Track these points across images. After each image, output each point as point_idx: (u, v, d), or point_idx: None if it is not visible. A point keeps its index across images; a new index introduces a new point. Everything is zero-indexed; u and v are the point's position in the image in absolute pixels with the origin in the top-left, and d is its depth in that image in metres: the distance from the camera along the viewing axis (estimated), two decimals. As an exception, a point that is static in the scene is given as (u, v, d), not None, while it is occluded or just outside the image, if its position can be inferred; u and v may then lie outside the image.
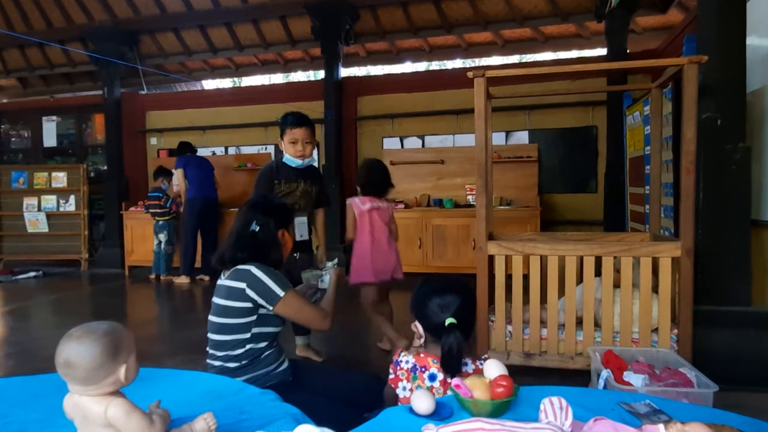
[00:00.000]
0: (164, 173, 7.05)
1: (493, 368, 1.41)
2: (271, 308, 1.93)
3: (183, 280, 6.56)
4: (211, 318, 2.00)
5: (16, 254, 8.13)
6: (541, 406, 1.21)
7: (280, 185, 3.10)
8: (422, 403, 1.28)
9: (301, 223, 3.16)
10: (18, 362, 3.70)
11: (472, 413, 1.28)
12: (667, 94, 3.83)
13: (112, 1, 7.89)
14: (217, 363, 1.97)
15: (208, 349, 2.02)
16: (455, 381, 1.36)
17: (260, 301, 1.91)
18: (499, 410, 1.28)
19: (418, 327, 1.73)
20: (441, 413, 1.29)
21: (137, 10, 7.92)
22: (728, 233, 2.91)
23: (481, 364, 1.63)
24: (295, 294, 1.99)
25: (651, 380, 2.09)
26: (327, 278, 2.36)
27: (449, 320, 1.61)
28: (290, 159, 3.10)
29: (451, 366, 1.59)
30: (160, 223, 6.80)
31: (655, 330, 2.87)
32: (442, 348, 1.60)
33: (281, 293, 1.92)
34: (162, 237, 6.83)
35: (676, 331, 2.83)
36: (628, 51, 6.31)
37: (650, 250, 2.85)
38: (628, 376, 2.12)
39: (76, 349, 1.01)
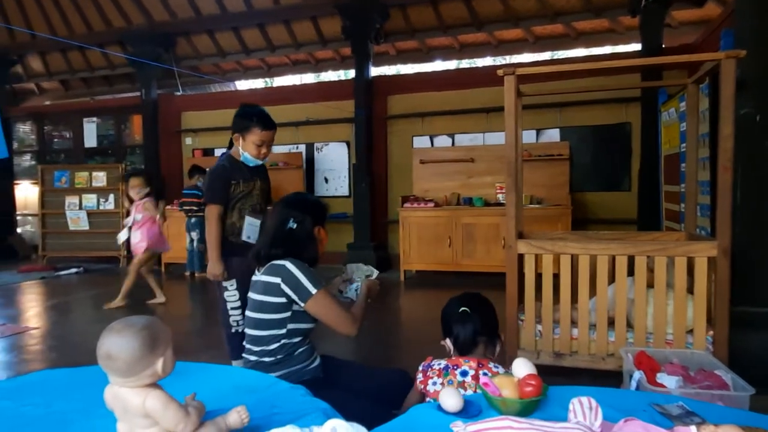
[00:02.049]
0: (199, 171, 7.19)
1: (522, 367, 1.41)
2: (302, 305, 1.95)
3: None
4: (248, 314, 2.03)
5: (58, 251, 8.44)
6: (570, 406, 1.20)
7: (238, 185, 2.88)
8: (450, 400, 1.28)
9: (252, 224, 2.93)
10: (60, 355, 3.84)
11: (500, 411, 1.28)
12: (703, 90, 3.73)
13: (150, 5, 8.10)
14: (252, 357, 2.00)
15: (245, 343, 2.05)
16: (483, 379, 1.36)
17: (293, 296, 1.94)
18: (527, 409, 1.28)
19: (447, 343, 1.84)
20: (469, 411, 1.29)
21: (173, 13, 8.11)
22: (766, 232, 2.82)
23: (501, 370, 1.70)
24: (327, 294, 2.00)
25: (685, 382, 2.04)
26: (353, 288, 2.27)
27: (462, 309, 1.80)
28: (249, 158, 2.87)
29: (462, 352, 1.77)
30: (193, 220, 6.93)
31: (690, 331, 2.80)
32: (456, 336, 1.78)
33: (313, 290, 1.93)
34: (194, 235, 6.96)
35: (711, 332, 2.75)
36: (663, 46, 6.16)
37: (685, 249, 2.78)
38: (662, 377, 2.08)
39: (117, 342, 1.04)
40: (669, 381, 2.04)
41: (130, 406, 1.06)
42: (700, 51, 5.71)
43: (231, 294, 2.91)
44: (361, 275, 2.31)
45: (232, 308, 2.92)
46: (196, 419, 1.09)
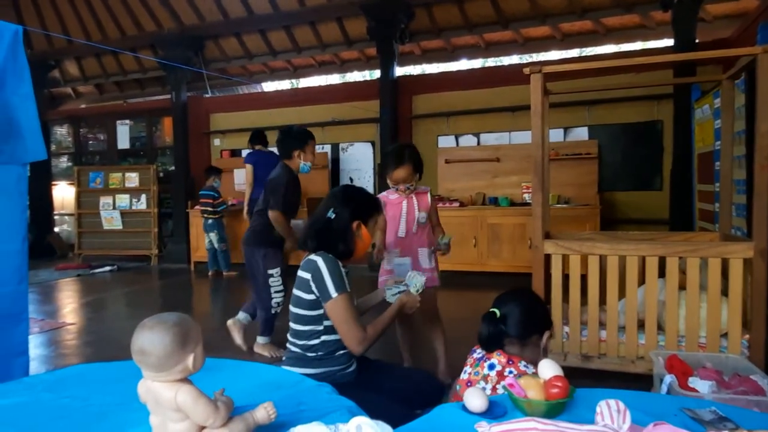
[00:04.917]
0: (215, 172, 7.23)
1: (548, 369, 1.40)
2: (323, 304, 1.90)
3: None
4: (291, 308, 2.01)
5: (93, 249, 8.69)
6: (598, 409, 1.18)
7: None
8: (475, 401, 1.28)
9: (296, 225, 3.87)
10: (96, 350, 3.94)
11: (525, 413, 1.27)
12: (739, 86, 3.64)
13: (179, 9, 8.27)
14: (295, 349, 1.99)
15: (288, 336, 2.04)
16: (509, 380, 1.35)
17: (318, 294, 1.90)
18: (553, 411, 1.27)
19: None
20: (494, 412, 1.29)
21: (202, 16, 8.26)
22: (807, 233, 2.72)
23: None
24: (347, 301, 1.89)
25: (719, 387, 1.99)
26: (394, 291, 2.23)
27: (492, 309, 1.75)
28: (309, 167, 3.99)
29: (487, 350, 1.74)
30: (210, 221, 6.97)
31: (724, 335, 2.73)
32: (478, 334, 1.75)
33: (333, 293, 1.86)
34: (212, 236, 6.99)
35: (747, 336, 2.68)
36: (696, 41, 6.00)
37: (719, 250, 2.71)
38: (694, 382, 2.03)
39: (149, 338, 1.07)
40: (702, 385, 1.99)
41: (162, 399, 1.09)
42: (736, 46, 5.56)
43: (275, 280, 3.62)
44: (409, 284, 2.23)
45: (275, 292, 3.61)
46: (225, 414, 1.12)
